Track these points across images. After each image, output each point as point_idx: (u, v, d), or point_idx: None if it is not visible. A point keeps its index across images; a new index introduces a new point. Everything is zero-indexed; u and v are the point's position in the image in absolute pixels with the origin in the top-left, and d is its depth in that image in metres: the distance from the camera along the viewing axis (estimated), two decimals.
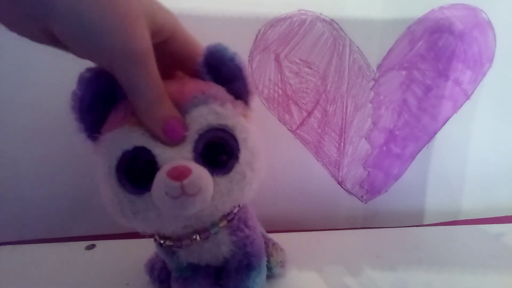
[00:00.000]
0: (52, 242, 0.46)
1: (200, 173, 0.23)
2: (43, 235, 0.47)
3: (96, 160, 0.25)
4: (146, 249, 0.35)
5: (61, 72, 0.41)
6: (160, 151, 0.23)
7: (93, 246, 0.45)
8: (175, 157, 0.23)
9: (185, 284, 0.31)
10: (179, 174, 0.21)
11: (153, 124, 0.23)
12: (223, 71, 0.26)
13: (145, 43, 0.22)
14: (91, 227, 0.48)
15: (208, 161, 0.24)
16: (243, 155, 0.25)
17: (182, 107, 0.24)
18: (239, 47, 0.25)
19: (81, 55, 0.23)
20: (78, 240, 0.46)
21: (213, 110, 0.24)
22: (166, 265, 0.33)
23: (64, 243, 0.46)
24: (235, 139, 0.25)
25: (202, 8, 0.41)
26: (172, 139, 0.23)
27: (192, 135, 0.24)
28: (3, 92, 0.43)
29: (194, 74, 0.27)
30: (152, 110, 0.23)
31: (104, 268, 0.40)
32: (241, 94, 0.27)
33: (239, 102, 0.27)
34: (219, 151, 0.25)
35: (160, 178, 0.22)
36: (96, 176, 0.25)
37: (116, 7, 0.21)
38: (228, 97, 0.26)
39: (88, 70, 0.24)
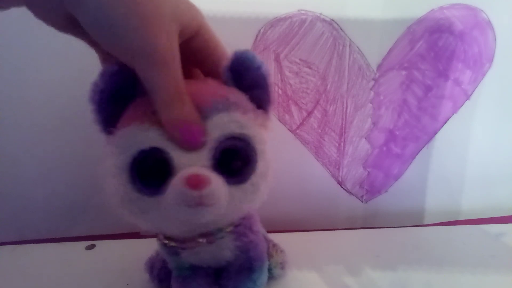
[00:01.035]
0: (52, 242, 0.46)
1: (218, 184, 0.22)
2: (43, 235, 0.47)
3: (107, 154, 0.24)
4: (146, 249, 0.35)
5: (62, 72, 0.42)
6: (178, 155, 0.22)
7: (93, 246, 0.45)
8: (193, 163, 0.22)
9: (185, 283, 0.31)
10: (198, 183, 0.21)
11: (171, 126, 0.22)
12: (248, 78, 0.25)
13: (169, 43, 0.22)
14: (91, 227, 0.48)
15: (224, 170, 0.23)
16: (260, 167, 0.24)
17: (203, 111, 0.23)
18: (239, 47, 0.25)
19: (104, 47, 0.23)
20: (78, 240, 0.46)
21: (235, 118, 0.24)
22: (166, 265, 0.33)
23: (64, 243, 0.46)
24: (254, 150, 0.24)
25: (202, 8, 0.40)
26: (190, 144, 0.23)
27: (211, 142, 0.23)
28: (4, 92, 0.43)
29: (212, 74, 0.27)
30: (171, 112, 0.22)
31: (104, 268, 0.39)
32: (263, 103, 0.27)
33: (260, 111, 0.26)
34: (237, 160, 0.24)
35: (177, 185, 0.21)
36: (103, 169, 0.24)
37: (141, 5, 0.21)
38: (250, 106, 0.26)
39: (113, 63, 0.24)
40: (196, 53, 0.27)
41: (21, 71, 0.42)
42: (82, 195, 0.46)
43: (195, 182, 0.21)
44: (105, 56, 0.26)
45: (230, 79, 0.26)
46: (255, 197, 0.25)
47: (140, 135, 0.23)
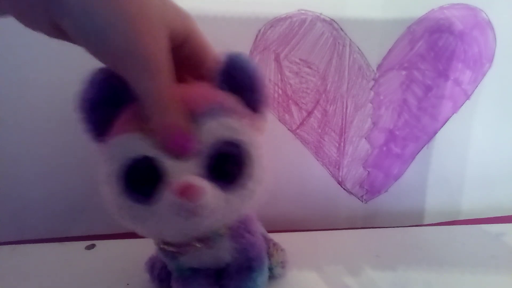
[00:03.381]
0: (52, 242, 0.46)
1: (212, 193, 0.22)
2: (43, 235, 0.47)
3: (100, 161, 0.24)
4: (146, 249, 0.35)
5: (61, 72, 0.42)
6: (170, 164, 0.22)
7: (93, 246, 0.45)
8: (186, 171, 0.22)
9: (186, 283, 0.31)
10: (191, 194, 0.21)
11: (159, 132, 0.22)
12: (242, 81, 0.25)
13: (157, 48, 0.22)
14: (91, 227, 0.48)
15: (219, 177, 0.23)
16: (255, 172, 0.24)
17: (196, 116, 0.23)
18: (239, 47, 0.25)
19: (90, 52, 0.22)
20: (78, 240, 0.46)
21: (229, 124, 0.23)
22: (166, 265, 0.33)
23: (64, 243, 0.46)
24: (248, 156, 0.24)
25: (202, 8, 0.41)
26: (178, 152, 0.22)
27: (204, 148, 0.22)
28: (3, 92, 0.43)
29: (204, 79, 0.26)
30: (160, 118, 0.22)
31: (104, 268, 0.40)
32: (257, 105, 0.26)
33: (254, 115, 0.26)
34: (232, 167, 0.23)
35: (171, 195, 0.21)
36: (98, 176, 0.24)
37: (128, 11, 0.21)
38: (245, 111, 0.25)
39: (100, 70, 0.23)
40: (187, 58, 0.26)
41: (21, 71, 0.42)
42: (82, 195, 0.46)
43: (189, 193, 0.21)
44: None
45: (223, 82, 0.25)
46: (250, 202, 0.25)
47: (131, 144, 0.22)
